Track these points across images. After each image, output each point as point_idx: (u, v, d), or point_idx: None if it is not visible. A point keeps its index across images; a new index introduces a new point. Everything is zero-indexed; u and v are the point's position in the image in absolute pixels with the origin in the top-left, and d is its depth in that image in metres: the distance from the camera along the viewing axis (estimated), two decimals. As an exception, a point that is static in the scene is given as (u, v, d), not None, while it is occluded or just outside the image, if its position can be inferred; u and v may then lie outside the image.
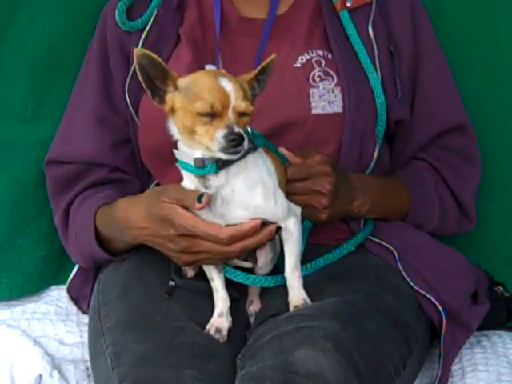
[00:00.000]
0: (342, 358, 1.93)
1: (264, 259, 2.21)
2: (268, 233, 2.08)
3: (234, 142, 1.94)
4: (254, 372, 1.94)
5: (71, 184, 2.46)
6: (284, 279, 2.14)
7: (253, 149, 2.06)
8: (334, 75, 2.34)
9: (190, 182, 2.07)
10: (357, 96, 2.32)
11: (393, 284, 2.26)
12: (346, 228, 2.38)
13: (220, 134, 1.95)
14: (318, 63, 2.36)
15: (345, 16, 2.39)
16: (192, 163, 2.03)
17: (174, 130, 2.05)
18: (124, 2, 2.41)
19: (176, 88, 2.00)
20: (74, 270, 2.55)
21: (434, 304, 2.27)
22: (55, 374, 2.33)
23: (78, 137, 2.47)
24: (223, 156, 1.98)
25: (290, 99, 2.32)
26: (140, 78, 1.99)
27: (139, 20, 2.40)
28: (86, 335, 2.38)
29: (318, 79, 2.34)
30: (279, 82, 2.29)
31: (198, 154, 2.01)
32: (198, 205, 2.02)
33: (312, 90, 2.32)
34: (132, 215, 2.19)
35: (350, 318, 2.05)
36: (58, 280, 2.73)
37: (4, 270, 2.66)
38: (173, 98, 2.00)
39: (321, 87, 2.33)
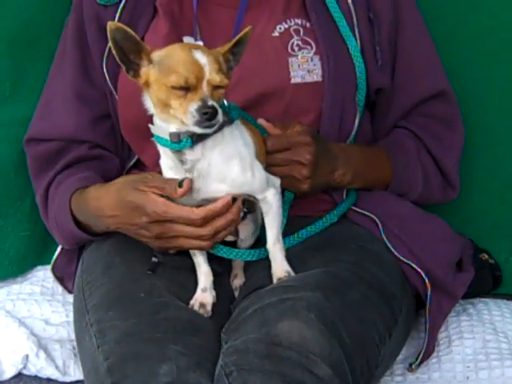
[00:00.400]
0: (326, 328, 1.93)
1: (246, 232, 2.21)
2: (237, 209, 2.06)
3: (207, 115, 1.92)
4: (238, 345, 1.94)
5: (51, 162, 2.43)
6: (267, 252, 2.13)
7: (228, 122, 2.04)
8: (312, 44, 2.33)
9: (166, 156, 2.06)
10: (336, 64, 2.31)
11: (376, 253, 2.25)
12: (328, 199, 2.36)
13: (193, 107, 1.93)
14: (297, 32, 2.34)
15: None
16: (167, 138, 2.01)
17: (149, 104, 2.03)
18: None
19: (150, 61, 1.98)
20: (58, 250, 2.53)
21: (419, 273, 2.26)
22: (41, 354, 2.33)
23: (56, 113, 2.44)
24: (197, 130, 1.96)
25: (268, 69, 2.30)
26: (114, 52, 1.97)
27: None
28: (71, 315, 2.36)
29: (296, 48, 2.32)
30: (257, 51, 2.27)
31: (173, 128, 2.00)
32: (179, 190, 2.01)
33: (291, 59, 2.30)
34: (103, 204, 2.18)
35: (333, 288, 2.04)
36: (42, 260, 2.72)
37: (-12, 252, 2.64)
38: (147, 71, 1.98)
39: (300, 56, 2.31)
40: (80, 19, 2.42)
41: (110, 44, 1.95)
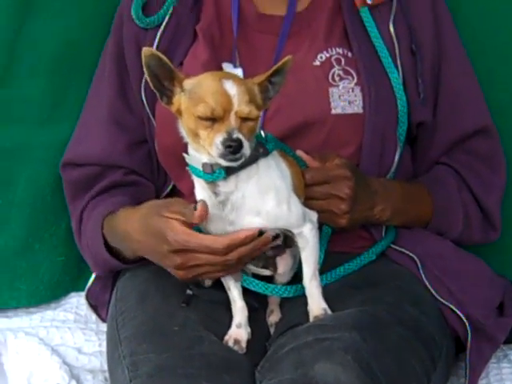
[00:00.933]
0: (362, 370, 1.89)
1: (284, 267, 2.17)
2: (264, 239, 2.03)
3: (231, 148, 1.89)
4: None
5: (86, 187, 2.42)
6: (303, 288, 2.09)
7: (264, 153, 2.02)
8: (354, 74, 2.29)
9: (200, 187, 2.03)
10: (377, 96, 2.27)
11: (416, 294, 2.21)
12: (367, 235, 2.33)
13: (218, 139, 1.90)
14: (338, 61, 2.31)
15: (365, 13, 2.33)
16: (201, 168, 1.99)
17: (184, 132, 2.01)
18: None
19: (182, 89, 1.96)
20: (92, 277, 2.51)
21: (459, 315, 2.21)
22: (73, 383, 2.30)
23: (93, 138, 2.42)
24: (223, 162, 1.93)
25: (309, 98, 2.27)
26: (148, 78, 1.96)
27: (155, 16, 2.36)
28: (104, 344, 2.35)
29: (337, 78, 2.29)
30: (298, 80, 2.24)
31: (206, 158, 1.98)
32: (195, 214, 1.97)
33: (332, 90, 2.27)
34: (130, 227, 2.16)
35: (370, 329, 2.00)
36: (77, 287, 2.70)
37: (23, 276, 2.63)
38: (179, 99, 1.97)
39: (341, 86, 2.28)
40: (120, 42, 2.41)
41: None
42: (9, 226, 2.61)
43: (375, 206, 2.25)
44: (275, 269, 2.17)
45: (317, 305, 2.07)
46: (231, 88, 1.92)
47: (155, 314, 2.16)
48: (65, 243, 2.65)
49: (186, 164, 2.04)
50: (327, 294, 2.10)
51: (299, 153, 2.18)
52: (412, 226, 2.34)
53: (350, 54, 2.32)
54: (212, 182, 2.00)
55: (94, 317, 2.58)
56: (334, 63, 2.30)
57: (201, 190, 2.04)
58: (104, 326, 2.46)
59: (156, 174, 2.45)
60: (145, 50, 1.94)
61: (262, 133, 2.05)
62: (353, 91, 2.28)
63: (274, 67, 1.98)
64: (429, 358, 2.11)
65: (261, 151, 2.01)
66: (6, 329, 2.49)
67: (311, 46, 2.32)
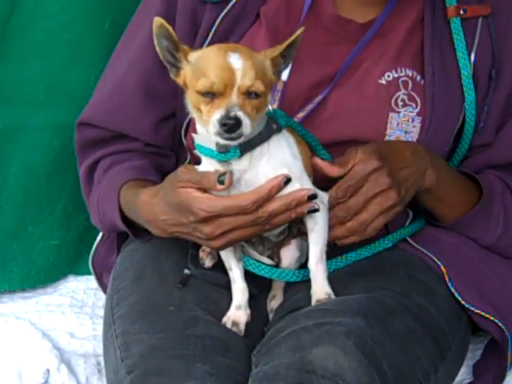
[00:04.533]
0: (365, 357, 1.79)
1: (289, 258, 2.08)
2: (298, 196, 1.89)
3: (225, 126, 1.80)
4: (268, 370, 1.81)
5: (101, 145, 2.29)
6: None
7: (278, 130, 1.93)
8: (418, 102, 2.17)
9: (210, 166, 1.93)
10: (436, 129, 2.16)
11: (427, 284, 2.10)
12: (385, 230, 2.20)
13: (216, 116, 1.81)
14: (405, 85, 2.18)
15: (456, 24, 2.20)
16: (213, 147, 1.89)
17: (189, 106, 1.93)
18: None
19: (188, 62, 1.88)
20: (97, 239, 2.40)
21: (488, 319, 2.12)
22: (63, 368, 2.25)
23: (118, 103, 2.27)
24: (220, 141, 1.84)
25: (366, 118, 2.15)
26: (157, 48, 1.89)
27: None
28: (98, 328, 2.30)
29: (401, 103, 2.17)
30: (359, 95, 2.15)
31: None
32: (219, 186, 1.87)
33: (392, 115, 2.16)
34: (154, 208, 2.03)
35: (375, 315, 1.90)
36: (74, 270, 2.67)
37: (15, 259, 2.59)
38: (185, 72, 1.89)
39: (402, 113, 2.16)
40: (169, 9, 2.24)
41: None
42: (1, 209, 2.56)
43: (427, 169, 2.10)
44: (279, 260, 2.08)
45: (321, 288, 1.97)
46: (236, 61, 1.83)
47: (150, 293, 2.08)
48: (60, 226, 2.61)
49: (193, 147, 1.95)
50: (332, 279, 1.99)
51: (315, 161, 2.03)
52: (450, 212, 2.21)
53: (418, 78, 2.19)
54: (225, 162, 1.91)
55: (90, 301, 2.55)
56: (401, 86, 2.18)
57: (209, 169, 1.94)
58: (100, 310, 2.42)
59: (177, 147, 2.32)
60: (156, 20, 1.86)
61: (270, 107, 1.95)
62: (412, 121, 2.17)
63: (289, 40, 1.89)
64: (436, 350, 2.00)
65: (274, 127, 1.92)
66: (-1, 313, 2.44)
67: (380, 61, 2.19)
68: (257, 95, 1.84)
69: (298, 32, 1.89)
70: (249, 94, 1.83)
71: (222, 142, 1.84)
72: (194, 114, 1.91)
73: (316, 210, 1.91)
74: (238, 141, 1.85)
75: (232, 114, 1.80)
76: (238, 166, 1.91)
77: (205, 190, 1.91)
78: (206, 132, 1.87)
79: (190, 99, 1.89)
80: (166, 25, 1.86)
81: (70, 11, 2.51)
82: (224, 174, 1.87)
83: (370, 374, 1.78)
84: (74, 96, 2.48)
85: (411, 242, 2.19)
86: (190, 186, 1.91)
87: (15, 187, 2.55)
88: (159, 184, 2.08)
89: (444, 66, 2.20)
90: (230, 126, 1.80)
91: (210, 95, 1.82)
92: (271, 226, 1.93)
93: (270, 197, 1.88)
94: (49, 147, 2.50)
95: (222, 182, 1.87)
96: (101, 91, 2.33)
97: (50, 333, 2.37)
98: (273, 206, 1.88)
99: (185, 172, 1.94)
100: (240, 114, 1.81)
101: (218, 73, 1.82)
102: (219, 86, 1.81)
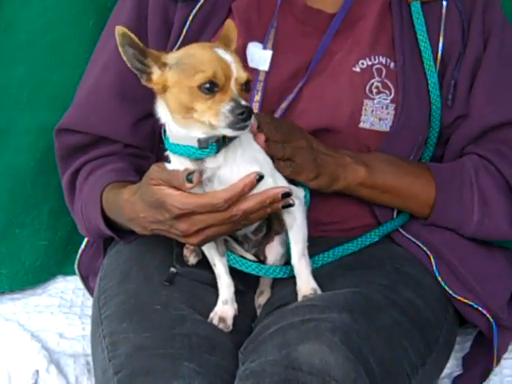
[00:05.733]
0: (351, 352, 1.79)
1: (273, 256, 2.08)
2: (269, 193, 1.89)
3: (242, 115, 1.79)
4: (254, 368, 1.81)
5: (81, 151, 2.29)
6: None
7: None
8: (392, 89, 2.18)
9: (180, 165, 1.91)
10: (408, 117, 2.17)
11: (413, 277, 2.11)
12: (373, 222, 2.21)
13: (226, 108, 1.80)
14: (379, 72, 2.18)
15: (416, 8, 2.21)
16: (192, 145, 1.88)
17: (163, 111, 1.90)
18: None
19: (163, 65, 1.86)
20: (83, 245, 2.41)
21: (475, 308, 2.13)
22: (52, 369, 2.24)
23: (95, 107, 2.27)
24: (230, 132, 1.83)
25: (341, 105, 2.16)
26: (123, 57, 1.86)
27: None
28: (88, 328, 2.29)
29: (375, 90, 2.17)
30: (334, 83, 2.15)
31: (200, 134, 1.86)
32: (188, 184, 1.86)
33: (366, 102, 2.16)
34: (134, 206, 2.03)
35: (361, 310, 1.90)
36: (63, 270, 2.66)
37: (3, 261, 2.59)
38: (162, 76, 1.87)
39: (376, 100, 2.17)
40: (141, 10, 2.25)
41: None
42: (-14, 212, 2.57)
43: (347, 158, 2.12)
44: (265, 258, 2.09)
45: (306, 284, 1.97)
46: (226, 56, 1.84)
47: (137, 292, 2.07)
48: (48, 227, 2.61)
49: (164, 148, 1.93)
50: (317, 274, 2.00)
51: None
52: (404, 202, 2.20)
53: (392, 65, 2.20)
54: (199, 160, 1.89)
55: (79, 301, 2.54)
56: (375, 73, 2.19)
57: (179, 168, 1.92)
58: (89, 310, 2.40)
59: (157, 147, 2.31)
60: (118, 29, 1.84)
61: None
62: (386, 108, 2.18)
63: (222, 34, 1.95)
64: (423, 342, 2.01)
65: None
66: (-14, 316, 2.44)
67: (353, 49, 2.20)
68: (247, 87, 1.85)
69: (227, 25, 1.95)
70: (242, 85, 1.84)
71: (232, 133, 1.83)
72: (175, 115, 1.88)
73: (291, 205, 1.91)
74: (247, 130, 1.84)
75: (243, 103, 1.80)
76: (212, 163, 1.90)
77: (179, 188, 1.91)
78: (208, 127, 1.84)
79: (177, 99, 1.86)
80: (129, 33, 1.84)
81: (52, 13, 2.50)
82: (192, 172, 1.86)
83: (356, 370, 1.78)
84: (58, 98, 2.47)
85: (402, 231, 2.19)
86: (161, 184, 1.91)
87: (1, 189, 2.54)
88: (137, 184, 2.07)
89: (412, 52, 2.21)
90: (247, 113, 1.79)
91: (210, 90, 1.81)
92: (248, 222, 1.93)
93: (243, 195, 1.87)
94: (34, 149, 2.50)
95: (190, 181, 1.86)
96: (78, 96, 2.34)
97: (39, 334, 2.36)
98: (247, 205, 1.88)
99: (156, 170, 1.93)
100: (247, 103, 1.82)
101: (215, 66, 1.82)
102: (221, 77, 1.81)
